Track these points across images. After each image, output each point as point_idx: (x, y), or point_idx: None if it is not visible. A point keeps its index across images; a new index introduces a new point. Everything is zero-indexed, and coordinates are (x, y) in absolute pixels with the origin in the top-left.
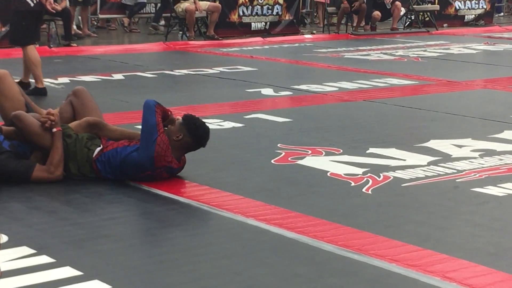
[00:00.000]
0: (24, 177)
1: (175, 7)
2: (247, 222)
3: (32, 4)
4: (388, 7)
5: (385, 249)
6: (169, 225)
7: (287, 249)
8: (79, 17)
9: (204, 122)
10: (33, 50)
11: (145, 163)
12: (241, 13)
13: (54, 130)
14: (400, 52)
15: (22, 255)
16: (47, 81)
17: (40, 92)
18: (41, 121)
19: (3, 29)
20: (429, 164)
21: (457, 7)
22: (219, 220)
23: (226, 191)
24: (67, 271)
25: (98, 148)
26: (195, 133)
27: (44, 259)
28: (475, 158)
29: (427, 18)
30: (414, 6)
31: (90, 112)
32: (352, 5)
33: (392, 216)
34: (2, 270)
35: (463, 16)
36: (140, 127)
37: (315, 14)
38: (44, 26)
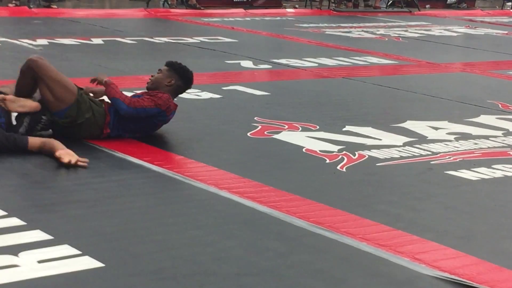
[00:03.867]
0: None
1: None
2: (220, 194)
3: None
4: None
5: (356, 227)
6: (141, 194)
7: (259, 223)
8: None
9: (186, 66)
10: None
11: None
12: None
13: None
14: (381, 31)
15: None
16: (26, 42)
17: None
18: None
19: None
20: (404, 144)
21: None
22: (192, 190)
23: (201, 162)
24: (37, 235)
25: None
26: (186, 75)
27: (15, 221)
28: (450, 141)
29: None
30: None
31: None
32: None
33: (365, 195)
34: None
35: None
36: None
37: None
38: None
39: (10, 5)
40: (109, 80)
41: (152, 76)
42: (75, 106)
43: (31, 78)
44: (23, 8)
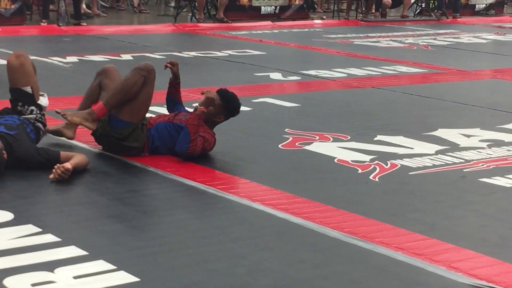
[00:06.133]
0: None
1: None
2: (253, 206)
3: None
4: None
5: (391, 237)
6: (175, 207)
7: (293, 235)
8: None
9: (236, 97)
10: None
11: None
12: None
13: None
14: (410, 40)
15: (27, 233)
16: (56, 60)
17: None
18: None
19: (13, 6)
20: (436, 153)
21: None
22: (225, 203)
23: (233, 174)
24: (72, 251)
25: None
26: (233, 114)
27: (50, 237)
28: (483, 148)
29: None
30: None
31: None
32: None
33: (399, 204)
34: (8, 248)
35: (474, 5)
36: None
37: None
38: (54, 4)
39: (42, 23)
40: (201, 110)
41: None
42: (132, 127)
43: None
44: (52, 26)
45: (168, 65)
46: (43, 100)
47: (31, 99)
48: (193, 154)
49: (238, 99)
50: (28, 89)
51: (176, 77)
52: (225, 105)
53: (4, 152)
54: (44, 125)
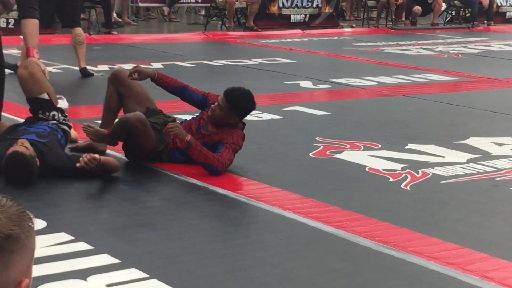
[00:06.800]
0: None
1: None
2: (284, 214)
3: None
4: (429, 2)
5: (423, 246)
6: (206, 216)
7: (324, 243)
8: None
9: (245, 94)
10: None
11: None
12: (281, 5)
13: None
14: (440, 48)
15: (60, 241)
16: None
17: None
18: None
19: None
20: (468, 161)
21: (499, 4)
22: (256, 212)
23: (264, 183)
24: (105, 259)
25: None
26: (248, 111)
27: (82, 245)
28: None
29: (468, 14)
30: (455, 2)
31: (138, 95)
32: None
33: (431, 213)
34: (41, 255)
35: (505, 13)
36: (178, 116)
37: (354, 7)
38: (85, 13)
39: None
40: (192, 139)
41: (211, 106)
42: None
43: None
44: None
45: (133, 75)
46: (62, 103)
47: (50, 105)
48: (230, 162)
49: (247, 94)
50: (45, 95)
51: (149, 76)
52: (232, 106)
53: (36, 160)
54: (70, 126)
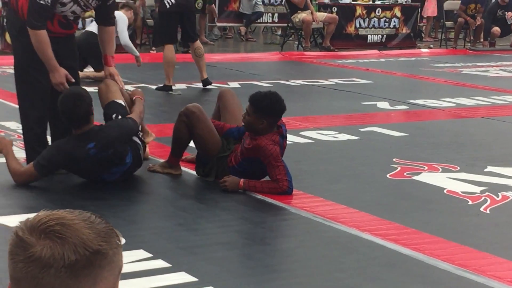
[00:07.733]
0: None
1: (292, 17)
2: (361, 236)
3: (167, 6)
4: (508, 23)
5: (503, 270)
6: (282, 235)
7: (403, 266)
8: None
9: (268, 95)
10: (167, 50)
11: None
12: (357, 25)
13: None
14: None
15: (139, 258)
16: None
17: (166, 89)
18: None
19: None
20: None
21: None
22: (333, 232)
23: (341, 203)
24: (182, 276)
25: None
26: (274, 112)
27: (160, 263)
28: None
29: None
30: None
31: (230, 114)
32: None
33: (511, 237)
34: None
35: None
36: None
37: (432, 28)
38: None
39: (151, 51)
40: (245, 183)
41: (243, 114)
42: (211, 164)
43: (185, 127)
44: (160, 54)
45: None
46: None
47: (125, 111)
48: (286, 173)
49: (271, 95)
50: (121, 101)
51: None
52: (256, 108)
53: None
54: (142, 140)
